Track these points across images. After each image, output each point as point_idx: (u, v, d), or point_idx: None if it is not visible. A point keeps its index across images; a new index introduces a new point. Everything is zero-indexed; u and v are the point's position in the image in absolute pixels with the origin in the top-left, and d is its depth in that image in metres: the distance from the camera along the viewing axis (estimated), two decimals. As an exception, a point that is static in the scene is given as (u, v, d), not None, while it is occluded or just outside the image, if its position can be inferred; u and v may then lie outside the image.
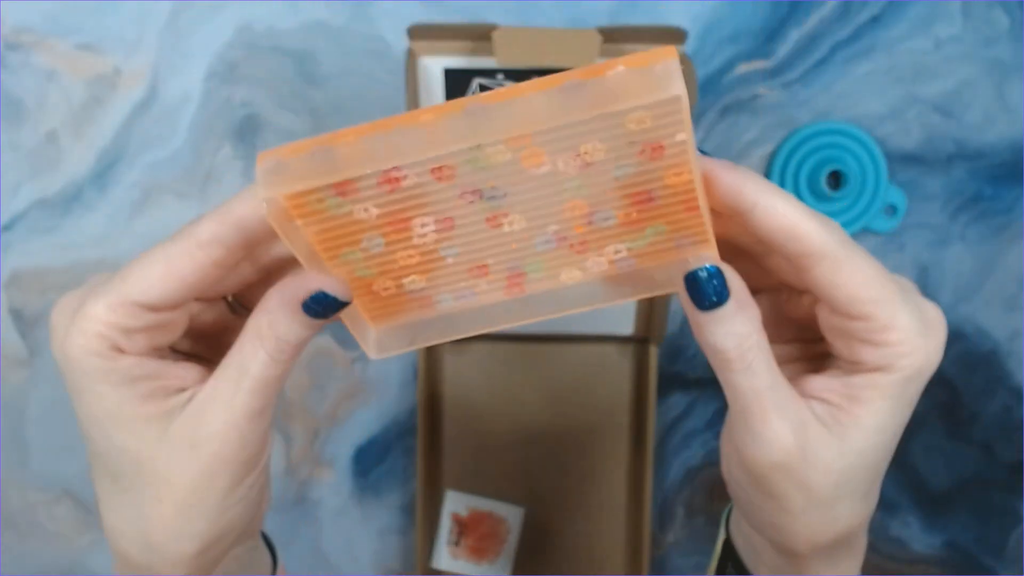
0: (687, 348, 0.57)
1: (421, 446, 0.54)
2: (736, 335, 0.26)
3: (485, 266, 0.27)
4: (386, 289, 0.28)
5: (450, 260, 0.27)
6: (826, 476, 0.27)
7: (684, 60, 0.47)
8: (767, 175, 0.55)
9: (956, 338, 0.56)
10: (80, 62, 0.53)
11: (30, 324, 0.55)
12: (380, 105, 0.54)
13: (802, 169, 0.55)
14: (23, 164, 0.54)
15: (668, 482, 0.58)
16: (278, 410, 0.56)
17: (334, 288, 0.26)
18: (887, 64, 0.55)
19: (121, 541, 0.27)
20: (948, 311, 0.56)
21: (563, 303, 0.29)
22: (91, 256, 0.54)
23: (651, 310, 0.53)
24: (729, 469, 0.29)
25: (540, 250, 0.27)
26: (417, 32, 0.46)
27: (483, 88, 0.47)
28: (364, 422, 0.56)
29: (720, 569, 0.35)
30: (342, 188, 0.25)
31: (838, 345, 0.28)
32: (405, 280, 0.27)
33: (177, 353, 0.29)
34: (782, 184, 0.55)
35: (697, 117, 0.55)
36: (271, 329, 0.26)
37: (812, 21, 0.54)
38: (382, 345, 0.29)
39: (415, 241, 0.26)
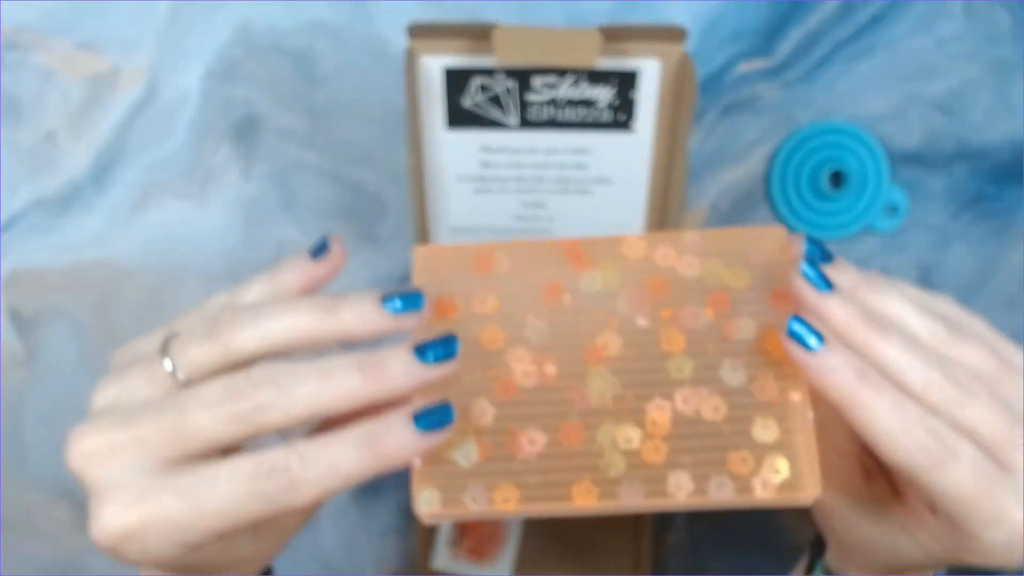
0: (688, 348, 0.57)
1: (421, 446, 0.54)
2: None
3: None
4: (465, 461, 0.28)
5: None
6: (849, 532, 0.30)
7: (685, 59, 0.46)
8: (768, 175, 0.55)
9: (957, 338, 0.56)
10: (79, 61, 0.53)
11: (29, 324, 0.54)
12: (380, 104, 0.53)
13: (803, 169, 0.54)
14: (21, 164, 0.53)
15: (669, 482, 0.58)
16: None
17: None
18: (888, 63, 0.55)
19: None
20: (949, 311, 0.56)
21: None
22: (90, 256, 0.54)
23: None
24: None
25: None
26: (417, 31, 0.45)
27: (484, 88, 0.47)
28: (364, 422, 0.56)
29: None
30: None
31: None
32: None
33: None
34: (783, 184, 0.55)
35: (697, 117, 0.54)
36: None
37: (813, 20, 0.54)
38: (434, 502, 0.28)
39: (518, 455, 0.28)
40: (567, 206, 0.49)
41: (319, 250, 0.28)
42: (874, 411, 0.25)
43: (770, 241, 0.29)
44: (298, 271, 0.28)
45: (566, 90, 0.47)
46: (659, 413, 0.27)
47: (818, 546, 0.36)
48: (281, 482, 0.24)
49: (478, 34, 0.45)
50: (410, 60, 0.46)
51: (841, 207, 0.55)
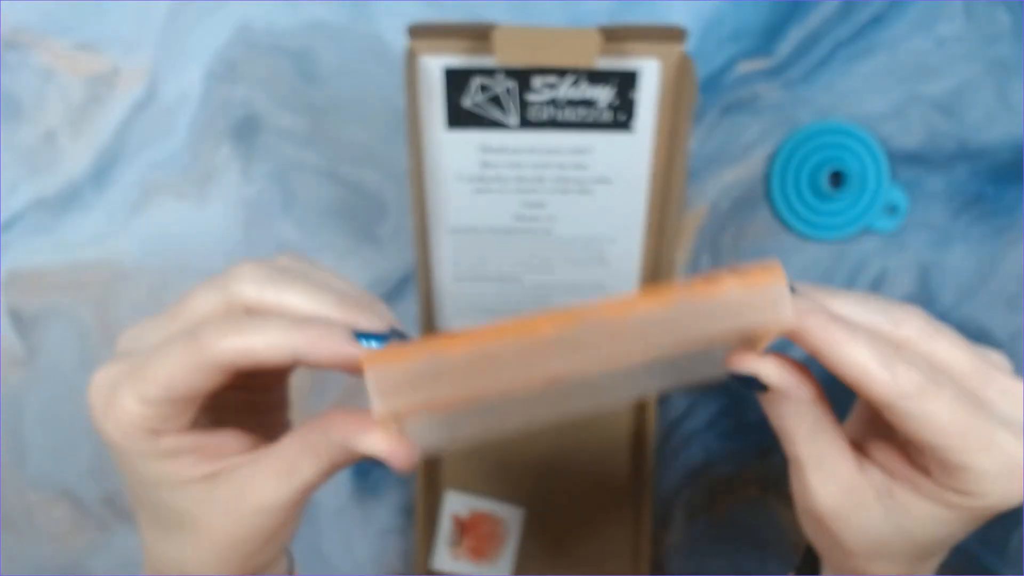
0: (688, 348, 0.57)
1: (421, 446, 0.54)
2: (778, 415, 0.28)
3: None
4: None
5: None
6: (863, 535, 0.29)
7: (685, 59, 0.46)
8: (768, 175, 0.55)
9: (958, 338, 0.56)
10: (78, 61, 0.53)
11: (29, 324, 0.54)
12: (380, 104, 0.53)
13: (803, 168, 0.54)
14: (21, 164, 0.53)
15: (668, 482, 0.58)
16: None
17: (397, 457, 0.26)
18: (889, 63, 0.55)
19: (157, 560, 0.29)
20: (950, 311, 0.56)
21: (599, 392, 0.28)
22: (90, 256, 0.54)
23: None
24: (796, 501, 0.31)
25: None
26: (417, 31, 0.45)
27: (484, 88, 0.47)
28: (364, 422, 0.56)
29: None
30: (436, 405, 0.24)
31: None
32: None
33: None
34: (783, 184, 0.55)
35: (697, 117, 0.54)
36: (327, 452, 0.26)
37: (813, 20, 0.54)
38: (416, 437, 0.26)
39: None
40: (567, 206, 0.49)
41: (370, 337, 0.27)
42: (851, 344, 0.25)
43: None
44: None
45: (566, 90, 0.47)
46: None
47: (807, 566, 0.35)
48: (205, 338, 0.25)
49: (478, 34, 0.45)
50: (410, 60, 0.46)
51: (841, 207, 0.55)
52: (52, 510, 0.56)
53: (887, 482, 0.29)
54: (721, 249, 0.56)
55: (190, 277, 0.54)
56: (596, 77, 0.47)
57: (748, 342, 0.27)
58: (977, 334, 0.57)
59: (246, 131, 0.54)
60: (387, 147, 0.54)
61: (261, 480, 0.27)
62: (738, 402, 0.57)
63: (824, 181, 0.54)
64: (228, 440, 0.28)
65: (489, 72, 0.47)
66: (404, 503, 0.57)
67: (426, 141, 0.48)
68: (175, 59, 0.53)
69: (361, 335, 0.25)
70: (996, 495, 0.27)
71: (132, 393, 0.26)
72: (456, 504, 0.56)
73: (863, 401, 0.31)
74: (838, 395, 0.30)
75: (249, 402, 0.31)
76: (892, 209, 0.55)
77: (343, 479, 0.57)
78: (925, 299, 0.56)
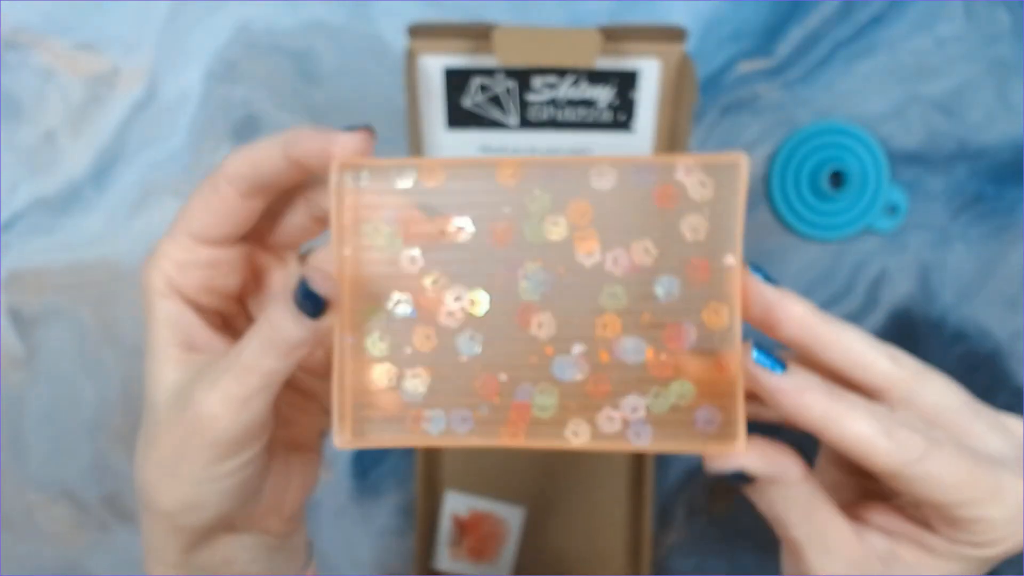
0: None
1: (421, 447, 0.54)
2: (768, 502, 0.26)
3: (496, 381, 0.26)
4: (386, 381, 0.26)
5: (464, 358, 0.26)
6: None
7: (685, 59, 0.46)
8: (768, 175, 0.55)
9: (957, 338, 0.56)
10: (79, 61, 0.53)
11: (29, 324, 0.54)
12: (380, 104, 0.53)
13: (803, 169, 0.54)
14: (21, 163, 0.53)
15: (668, 483, 0.58)
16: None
17: (319, 283, 0.25)
18: (889, 63, 0.55)
19: (144, 494, 0.29)
20: (950, 311, 0.56)
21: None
22: (90, 256, 0.54)
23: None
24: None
25: (557, 377, 0.26)
26: (417, 31, 0.45)
27: (484, 88, 0.47)
28: (364, 422, 0.56)
29: None
30: (402, 220, 0.25)
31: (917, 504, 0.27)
32: (407, 375, 0.26)
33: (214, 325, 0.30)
34: (783, 184, 0.55)
35: (697, 117, 0.54)
36: (267, 321, 0.26)
37: (813, 20, 0.54)
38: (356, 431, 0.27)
39: (441, 319, 0.26)
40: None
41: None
42: (851, 420, 0.25)
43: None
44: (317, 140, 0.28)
45: (566, 90, 0.47)
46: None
47: None
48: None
49: (478, 34, 0.45)
50: (410, 60, 0.46)
51: (841, 207, 0.55)
52: (52, 510, 0.56)
53: (890, 546, 0.27)
54: (721, 249, 0.56)
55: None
56: (596, 77, 0.47)
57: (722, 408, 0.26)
58: (977, 334, 0.57)
59: (246, 131, 0.54)
60: (387, 147, 0.54)
61: (208, 377, 0.27)
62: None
63: (824, 181, 0.54)
64: (214, 342, 0.29)
65: (489, 72, 0.47)
66: (404, 503, 0.57)
67: (426, 141, 0.48)
68: (175, 59, 0.53)
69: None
70: (1010, 540, 0.26)
71: (167, 235, 0.29)
72: (456, 504, 0.56)
73: (838, 467, 0.30)
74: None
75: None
76: (892, 209, 0.55)
77: (343, 480, 0.57)
78: (925, 299, 0.56)
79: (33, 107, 0.53)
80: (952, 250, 0.56)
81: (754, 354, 0.25)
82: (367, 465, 0.57)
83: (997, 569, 0.28)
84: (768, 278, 0.26)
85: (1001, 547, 0.26)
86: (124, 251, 0.54)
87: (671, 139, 0.48)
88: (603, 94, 0.47)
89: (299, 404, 0.32)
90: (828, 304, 0.56)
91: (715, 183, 0.25)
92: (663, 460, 0.57)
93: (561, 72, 0.46)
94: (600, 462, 0.57)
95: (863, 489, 0.30)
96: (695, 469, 0.58)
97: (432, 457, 0.55)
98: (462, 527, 0.56)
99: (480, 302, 0.26)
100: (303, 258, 0.32)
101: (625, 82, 0.47)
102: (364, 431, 0.26)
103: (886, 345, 0.27)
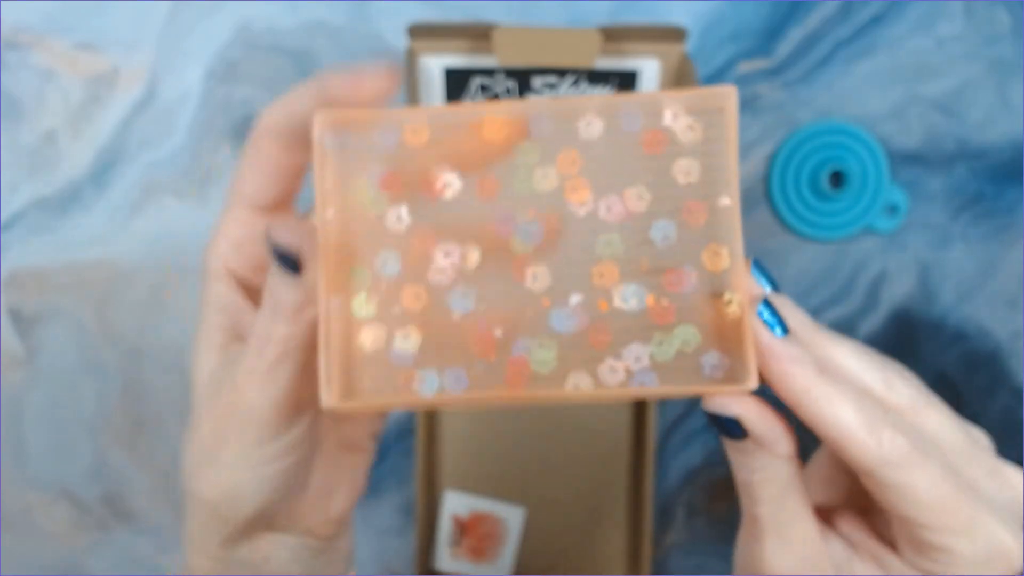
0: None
1: (420, 447, 0.54)
2: (748, 468, 0.25)
3: (491, 337, 0.25)
4: (374, 343, 0.25)
5: (457, 316, 0.25)
6: None
7: (685, 59, 0.46)
8: (768, 175, 0.55)
9: (957, 338, 0.56)
10: (78, 61, 0.53)
11: (29, 324, 0.54)
12: (380, 105, 0.53)
13: (803, 168, 0.54)
14: (21, 164, 0.53)
15: (668, 482, 0.58)
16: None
17: (281, 234, 0.24)
18: (889, 63, 0.55)
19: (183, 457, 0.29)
20: (950, 311, 0.56)
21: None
22: (90, 256, 0.54)
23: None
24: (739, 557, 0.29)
25: (555, 329, 0.25)
26: (417, 31, 0.45)
27: (484, 88, 0.47)
28: (364, 422, 0.56)
29: None
30: (387, 178, 0.25)
31: (888, 518, 0.26)
32: (398, 335, 0.25)
33: None
34: (783, 184, 0.55)
35: (698, 116, 0.54)
36: (267, 287, 0.25)
37: (813, 20, 0.54)
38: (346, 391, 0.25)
39: (431, 276, 0.25)
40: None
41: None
42: (837, 403, 0.23)
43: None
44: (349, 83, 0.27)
45: (566, 90, 0.47)
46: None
47: None
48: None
49: (478, 34, 0.45)
50: (410, 60, 0.46)
51: (841, 207, 0.55)
52: (52, 510, 0.56)
53: (848, 555, 0.26)
54: (721, 249, 0.56)
55: (190, 277, 0.54)
56: (596, 77, 0.47)
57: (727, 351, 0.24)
58: (977, 334, 0.57)
59: (246, 131, 0.54)
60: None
61: (241, 359, 0.26)
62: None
63: (824, 181, 0.54)
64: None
65: (489, 72, 0.47)
66: (404, 503, 0.57)
67: (426, 141, 0.48)
68: (175, 59, 0.53)
69: None
70: None
71: (225, 210, 0.29)
72: (456, 504, 0.56)
73: (832, 464, 0.29)
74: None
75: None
76: (892, 209, 0.55)
77: (343, 479, 0.57)
78: (925, 299, 0.56)
79: (33, 107, 0.53)
80: (952, 250, 0.56)
81: (760, 307, 0.24)
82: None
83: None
84: (772, 281, 0.25)
85: None
86: (124, 251, 0.54)
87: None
88: (603, 94, 0.47)
89: None
90: (828, 304, 0.56)
91: (704, 125, 0.24)
92: (663, 460, 0.57)
93: (561, 72, 0.46)
94: (600, 462, 0.57)
95: (847, 497, 0.29)
96: (695, 469, 0.58)
97: (432, 457, 0.55)
98: (462, 527, 0.56)
99: (471, 257, 0.25)
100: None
101: (625, 82, 0.47)
102: (353, 393, 0.25)
103: (889, 366, 0.26)
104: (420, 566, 0.55)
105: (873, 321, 0.56)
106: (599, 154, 0.24)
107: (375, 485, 0.57)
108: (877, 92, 0.55)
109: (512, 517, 0.56)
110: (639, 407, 0.55)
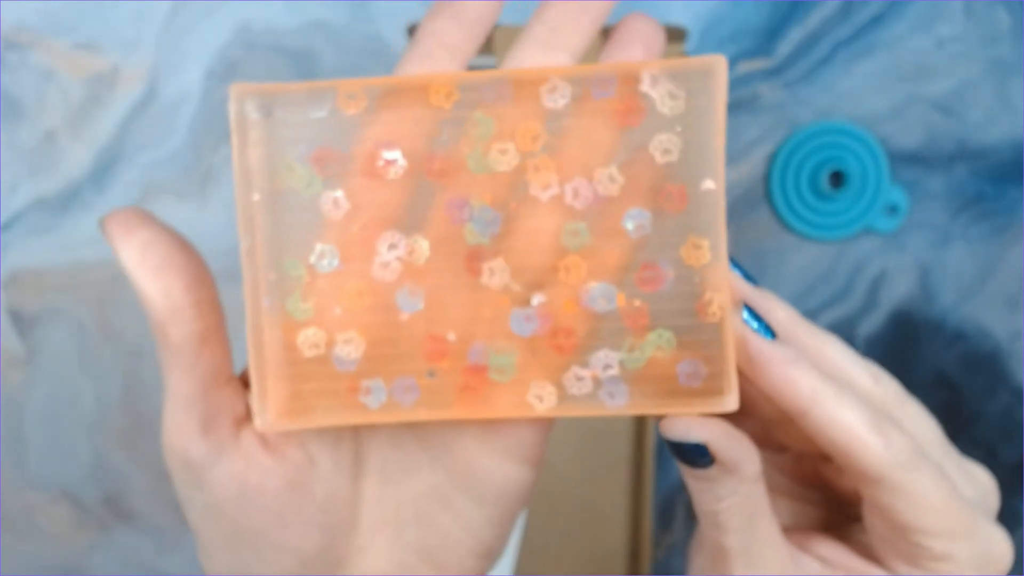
0: (688, 348, 0.57)
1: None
2: (714, 496, 0.23)
3: (444, 341, 0.22)
4: (312, 348, 0.22)
5: (404, 316, 0.22)
6: None
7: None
8: (768, 175, 0.55)
9: (957, 338, 0.56)
10: (79, 61, 0.53)
11: (29, 324, 0.54)
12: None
13: (803, 168, 0.54)
14: (22, 164, 0.53)
15: (668, 483, 0.58)
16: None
17: (106, 222, 0.22)
18: (889, 63, 0.55)
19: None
20: (950, 311, 0.56)
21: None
22: (90, 256, 0.54)
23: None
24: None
25: (515, 331, 0.22)
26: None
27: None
28: (364, 422, 0.56)
29: None
30: (320, 155, 0.21)
31: (875, 533, 0.24)
32: (340, 339, 0.21)
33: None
34: (783, 184, 0.55)
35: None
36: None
37: (813, 20, 0.54)
38: (281, 412, 0.22)
39: (374, 271, 0.21)
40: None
41: None
42: (841, 405, 0.22)
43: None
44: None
45: (566, 90, 0.47)
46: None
47: None
48: None
49: (478, 34, 0.45)
50: (410, 60, 0.46)
51: (841, 207, 0.55)
52: (52, 510, 0.56)
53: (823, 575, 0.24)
54: (721, 249, 0.56)
55: (190, 277, 0.54)
56: (596, 77, 0.47)
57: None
58: (977, 334, 0.57)
59: (246, 131, 0.54)
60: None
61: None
62: (738, 402, 0.57)
63: (824, 181, 0.54)
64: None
65: (489, 72, 0.47)
66: (404, 503, 0.57)
67: (426, 141, 0.48)
68: (175, 59, 0.53)
69: None
70: None
71: None
72: (456, 504, 0.56)
73: (797, 480, 0.27)
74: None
75: None
76: (892, 209, 0.55)
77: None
78: (925, 299, 0.56)
79: (33, 107, 0.53)
80: (952, 250, 0.56)
81: (744, 313, 0.22)
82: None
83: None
84: (749, 277, 0.24)
85: None
86: (124, 251, 0.54)
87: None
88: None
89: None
90: (828, 304, 0.56)
91: (688, 93, 0.21)
92: (663, 460, 0.57)
93: (561, 72, 0.46)
94: (600, 462, 0.57)
95: (817, 519, 0.27)
96: (695, 469, 0.58)
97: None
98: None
99: (419, 249, 0.21)
100: None
101: (625, 82, 0.47)
102: (290, 409, 0.22)
103: (868, 362, 0.24)
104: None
105: (873, 321, 0.56)
106: (565, 126, 0.21)
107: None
108: (877, 92, 0.55)
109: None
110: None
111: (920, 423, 0.24)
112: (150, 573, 0.56)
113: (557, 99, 0.21)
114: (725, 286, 0.21)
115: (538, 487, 0.60)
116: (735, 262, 0.23)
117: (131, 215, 0.23)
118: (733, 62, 0.54)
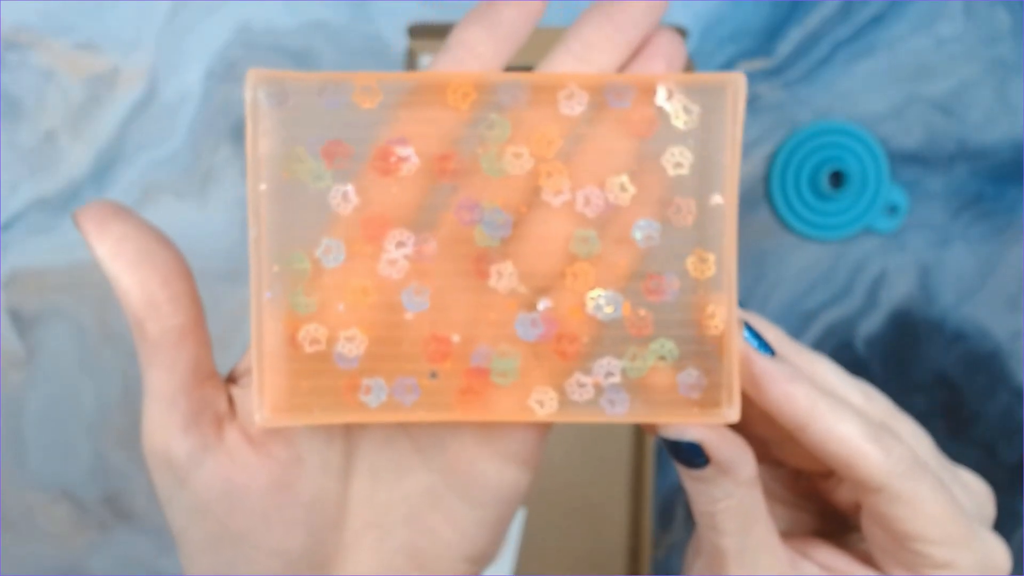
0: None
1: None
2: (710, 499, 0.23)
3: (448, 342, 0.22)
4: (314, 344, 0.21)
5: (409, 316, 0.21)
6: None
7: (685, 60, 0.46)
8: (768, 175, 0.55)
9: (957, 338, 0.56)
10: (78, 61, 0.53)
11: (29, 324, 0.54)
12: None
13: (803, 169, 0.54)
14: (22, 164, 0.53)
15: (668, 483, 0.58)
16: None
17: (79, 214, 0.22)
18: (888, 63, 0.55)
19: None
20: (950, 311, 0.56)
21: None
22: (90, 256, 0.54)
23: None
24: None
25: (520, 335, 0.22)
26: (417, 31, 0.45)
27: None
28: (364, 422, 0.56)
29: None
30: (331, 148, 0.21)
31: (875, 543, 0.24)
32: (342, 335, 0.21)
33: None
34: (783, 184, 0.55)
35: (698, 116, 0.54)
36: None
37: (813, 20, 0.54)
38: (278, 409, 0.22)
39: (380, 269, 0.21)
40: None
41: None
42: (839, 418, 0.22)
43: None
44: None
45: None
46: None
47: None
48: None
49: (478, 34, 0.45)
50: (410, 60, 0.46)
51: (841, 207, 0.55)
52: (52, 510, 0.56)
53: None
54: (721, 249, 0.56)
55: (190, 277, 0.54)
56: (596, 77, 0.47)
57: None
58: (977, 334, 0.57)
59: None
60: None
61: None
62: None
63: (824, 181, 0.54)
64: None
65: (489, 72, 0.47)
66: (404, 503, 0.57)
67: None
68: (175, 59, 0.53)
69: None
70: None
71: None
72: (456, 504, 0.56)
73: (794, 487, 0.27)
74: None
75: None
76: (892, 209, 0.55)
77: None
78: (925, 299, 0.56)
79: (33, 107, 0.53)
80: (952, 250, 0.56)
81: (745, 332, 0.22)
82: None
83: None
84: (757, 337, 0.24)
85: None
86: (124, 251, 0.54)
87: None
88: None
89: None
90: (828, 304, 0.56)
91: (703, 109, 0.21)
92: (663, 460, 0.57)
93: (561, 72, 0.46)
94: (600, 462, 0.57)
95: (815, 528, 0.27)
96: (695, 469, 0.58)
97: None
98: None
99: (427, 248, 0.21)
100: None
101: (625, 82, 0.47)
102: (289, 405, 0.21)
103: (859, 380, 0.25)
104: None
105: (873, 321, 0.56)
106: (580, 134, 0.21)
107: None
108: (877, 92, 0.55)
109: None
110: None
111: (914, 436, 0.24)
112: (150, 573, 0.56)
113: (574, 106, 0.21)
114: (728, 300, 0.21)
115: (538, 487, 0.60)
116: (751, 330, 0.23)
117: (104, 209, 0.22)
118: (733, 62, 0.54)
